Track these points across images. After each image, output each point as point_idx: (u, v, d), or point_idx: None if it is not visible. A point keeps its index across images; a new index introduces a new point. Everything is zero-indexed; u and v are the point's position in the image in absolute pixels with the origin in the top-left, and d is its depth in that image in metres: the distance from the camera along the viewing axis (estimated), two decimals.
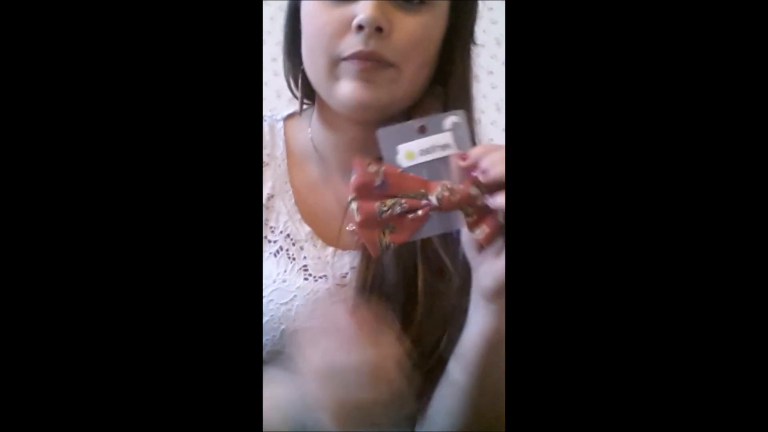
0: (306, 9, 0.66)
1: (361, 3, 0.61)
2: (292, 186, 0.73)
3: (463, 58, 0.69)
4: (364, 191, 0.54)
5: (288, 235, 0.70)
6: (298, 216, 0.71)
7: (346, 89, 0.63)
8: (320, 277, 0.69)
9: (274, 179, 0.73)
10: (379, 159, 0.55)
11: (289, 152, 0.75)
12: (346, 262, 0.69)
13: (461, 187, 0.53)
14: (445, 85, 0.68)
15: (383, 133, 0.55)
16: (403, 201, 0.54)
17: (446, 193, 0.53)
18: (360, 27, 0.61)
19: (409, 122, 0.55)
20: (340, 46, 0.62)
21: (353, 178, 0.54)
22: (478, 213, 0.53)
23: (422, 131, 0.55)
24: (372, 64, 0.62)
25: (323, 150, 0.73)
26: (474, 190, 0.53)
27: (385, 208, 0.54)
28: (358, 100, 0.63)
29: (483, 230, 0.54)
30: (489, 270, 0.54)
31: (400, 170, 0.54)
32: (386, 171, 0.54)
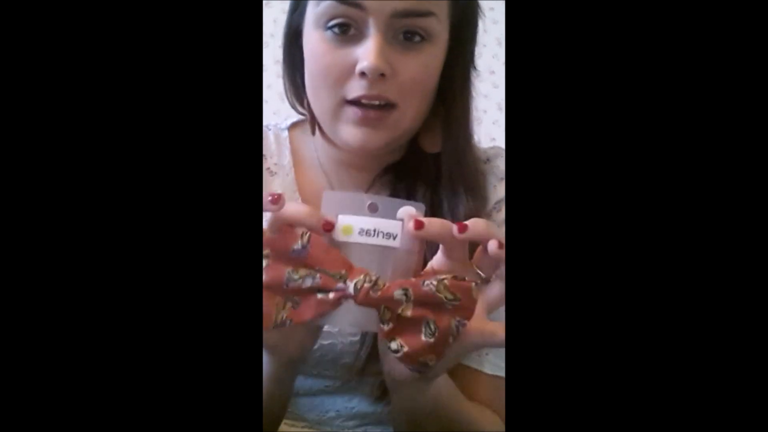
0: (309, 45, 0.65)
1: (364, 47, 0.61)
2: (301, 195, 0.73)
3: (464, 81, 0.69)
4: (279, 251, 0.47)
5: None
6: None
7: (350, 133, 0.63)
8: None
9: (283, 188, 0.73)
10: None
11: (296, 161, 0.75)
12: None
13: (387, 284, 0.47)
14: (446, 105, 0.68)
15: (329, 196, 0.49)
16: (317, 276, 0.47)
17: (367, 285, 0.46)
18: (363, 74, 0.61)
19: (362, 195, 0.50)
20: (344, 90, 0.62)
21: (272, 234, 0.48)
22: (396, 323, 0.47)
23: (372, 210, 0.49)
24: (374, 111, 0.62)
25: (327, 164, 0.73)
26: (399, 294, 0.46)
27: (296, 277, 0.47)
28: (362, 144, 0.63)
29: (400, 345, 0.47)
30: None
31: (326, 243, 0.47)
32: (311, 239, 0.47)
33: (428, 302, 0.47)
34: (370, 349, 0.67)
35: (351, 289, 0.46)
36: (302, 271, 0.47)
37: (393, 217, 0.48)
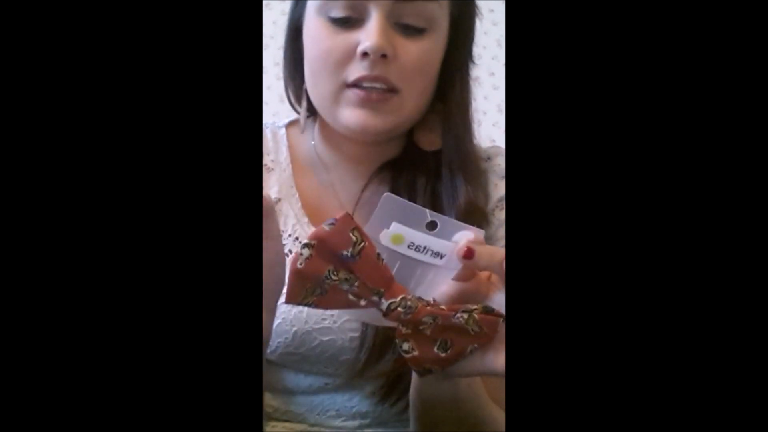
0: (309, 32, 0.66)
1: (366, 29, 0.61)
2: (298, 191, 0.73)
3: (462, 76, 0.70)
4: (325, 248, 0.46)
5: (297, 238, 0.71)
6: (306, 219, 0.72)
7: (350, 115, 0.64)
8: None
9: (280, 184, 0.74)
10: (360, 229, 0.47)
11: (293, 158, 0.75)
12: None
13: (419, 306, 0.47)
14: (445, 101, 0.69)
15: (388, 200, 0.48)
16: (356, 283, 0.46)
17: (400, 309, 0.46)
18: (365, 54, 0.61)
19: (425, 209, 0.48)
20: (345, 72, 0.63)
21: (325, 229, 0.46)
22: (414, 330, 0.47)
23: (430, 228, 0.48)
24: (376, 93, 0.62)
25: (326, 160, 0.74)
26: (427, 320, 0.47)
27: (334, 278, 0.46)
28: (362, 126, 0.64)
29: (412, 348, 0.47)
30: None
31: (376, 258, 0.46)
32: (364, 250, 0.46)
33: (453, 329, 0.47)
34: (370, 351, 0.67)
35: (383, 307, 0.47)
36: (342, 274, 0.46)
37: (448, 236, 0.48)
